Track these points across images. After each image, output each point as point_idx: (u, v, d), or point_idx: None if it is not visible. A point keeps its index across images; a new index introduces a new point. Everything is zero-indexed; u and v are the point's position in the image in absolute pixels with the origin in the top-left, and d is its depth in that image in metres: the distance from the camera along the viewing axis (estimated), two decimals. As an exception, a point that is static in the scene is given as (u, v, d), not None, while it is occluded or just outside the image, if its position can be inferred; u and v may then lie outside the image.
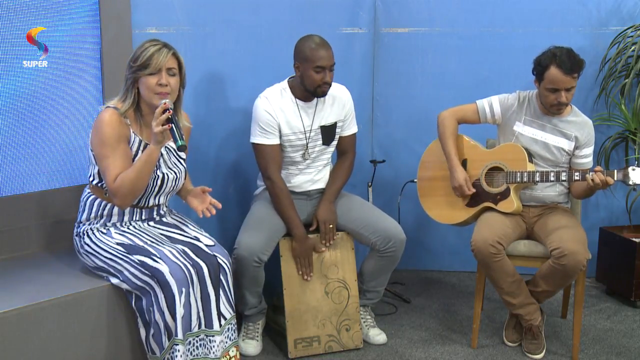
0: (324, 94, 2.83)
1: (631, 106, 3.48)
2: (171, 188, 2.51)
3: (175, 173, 2.51)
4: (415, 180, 3.17)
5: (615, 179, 2.65)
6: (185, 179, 2.59)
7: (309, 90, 2.81)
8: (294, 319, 2.84)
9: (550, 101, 2.79)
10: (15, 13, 2.54)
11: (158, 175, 2.43)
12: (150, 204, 2.50)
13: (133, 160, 2.37)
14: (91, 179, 2.46)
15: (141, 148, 2.40)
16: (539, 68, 2.78)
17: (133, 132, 2.40)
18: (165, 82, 2.34)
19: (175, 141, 2.26)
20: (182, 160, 2.56)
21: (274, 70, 2.95)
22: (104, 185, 2.41)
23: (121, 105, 2.37)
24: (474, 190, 2.93)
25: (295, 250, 2.84)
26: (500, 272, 2.77)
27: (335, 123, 2.95)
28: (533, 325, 2.86)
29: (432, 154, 3.13)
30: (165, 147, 2.48)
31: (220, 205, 2.51)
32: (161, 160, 2.46)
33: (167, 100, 2.30)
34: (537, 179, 2.80)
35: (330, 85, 2.82)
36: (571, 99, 2.79)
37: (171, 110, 2.27)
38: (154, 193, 2.46)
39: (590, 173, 2.68)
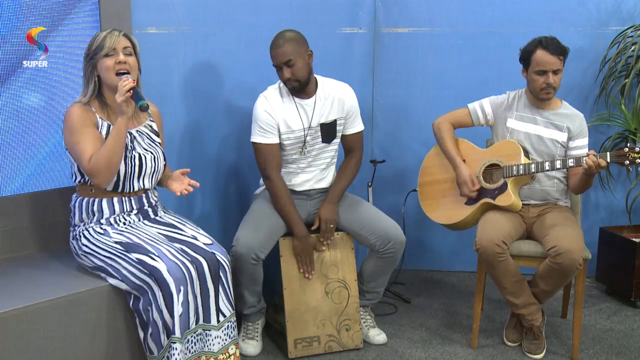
0: (294, 90, 2.83)
1: (631, 106, 3.48)
2: (152, 169, 2.52)
3: (152, 153, 2.52)
4: (416, 189, 3.18)
5: (609, 160, 2.66)
6: (164, 160, 2.60)
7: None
8: (294, 319, 2.84)
9: (539, 85, 2.82)
10: (15, 13, 2.54)
11: (134, 155, 2.45)
12: (136, 188, 2.50)
13: None
14: (74, 178, 2.49)
15: (110, 132, 2.43)
16: (526, 54, 2.85)
17: (100, 117, 2.43)
18: (124, 59, 2.39)
19: (137, 101, 2.33)
20: (157, 143, 2.58)
21: (273, 70, 2.95)
22: (88, 181, 2.43)
23: (84, 97, 2.43)
24: (479, 186, 2.93)
25: (297, 248, 2.85)
26: (504, 272, 2.77)
27: (335, 121, 2.94)
28: (534, 326, 2.86)
29: (431, 161, 3.15)
30: (137, 130, 2.52)
31: (197, 184, 2.54)
32: (135, 143, 2.49)
33: (128, 75, 2.37)
34: (533, 169, 2.81)
35: (296, 81, 2.79)
36: (559, 82, 2.83)
37: (134, 80, 2.34)
38: (136, 175, 2.47)
39: (584, 158, 2.69)
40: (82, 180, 2.46)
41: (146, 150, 2.51)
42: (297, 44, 2.77)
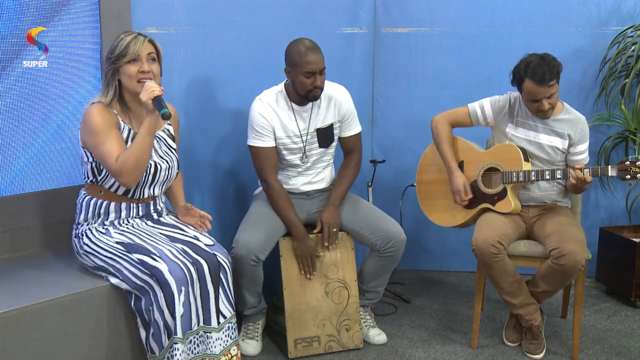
0: (315, 98, 2.81)
1: (631, 106, 3.48)
2: (165, 178, 2.51)
3: (167, 162, 2.51)
4: (414, 184, 3.18)
5: (610, 174, 2.66)
6: (178, 169, 2.59)
7: (300, 94, 2.80)
8: (294, 319, 2.84)
9: (534, 109, 2.80)
10: (15, 13, 2.54)
11: (150, 164, 2.44)
12: (146, 195, 2.50)
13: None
14: (85, 178, 2.48)
15: (131, 136, 2.42)
16: (516, 81, 2.80)
17: (122, 120, 2.41)
18: (148, 68, 2.38)
19: (159, 109, 2.31)
20: (173, 150, 2.57)
21: (273, 71, 2.95)
22: (99, 182, 2.42)
23: (105, 99, 2.40)
24: (471, 195, 2.94)
25: (297, 250, 2.84)
26: (500, 272, 2.77)
27: (332, 125, 2.94)
28: (533, 326, 2.86)
29: (429, 158, 3.14)
30: (156, 136, 2.50)
31: (210, 217, 2.58)
32: (152, 150, 2.47)
33: (152, 81, 2.36)
34: (533, 177, 2.81)
35: (321, 89, 2.79)
36: (556, 102, 2.79)
37: (162, 89, 2.33)
38: (148, 183, 2.46)
39: (569, 170, 2.71)
40: (93, 181, 2.45)
41: (162, 158, 2.50)
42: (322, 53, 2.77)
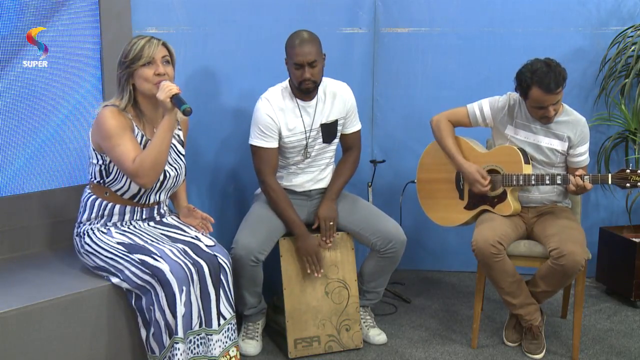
0: (307, 91, 2.81)
1: (631, 106, 3.48)
2: (172, 185, 2.52)
3: (176, 169, 2.51)
4: (414, 180, 3.18)
5: (610, 182, 2.67)
6: (185, 175, 2.59)
7: (294, 86, 2.81)
8: (294, 319, 2.84)
9: (539, 116, 2.80)
10: (15, 13, 2.54)
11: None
12: (151, 201, 2.50)
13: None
14: (91, 178, 2.46)
15: (143, 143, 2.41)
16: (521, 88, 2.77)
17: (136, 125, 2.40)
18: (163, 71, 2.36)
19: (179, 106, 2.28)
20: (182, 156, 2.57)
21: (274, 70, 2.95)
22: (106, 184, 2.42)
23: (119, 103, 2.38)
24: (489, 178, 2.88)
25: (301, 249, 2.83)
26: (500, 272, 2.77)
27: (336, 121, 2.94)
28: (533, 326, 2.86)
29: (430, 156, 3.13)
30: None
31: (212, 219, 2.58)
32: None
33: (167, 81, 2.34)
34: (533, 182, 2.80)
35: (313, 82, 2.78)
36: (559, 107, 2.79)
37: (179, 88, 2.32)
38: (155, 189, 2.46)
39: (570, 177, 2.72)
40: (100, 182, 2.44)
41: (171, 165, 2.49)
42: (319, 46, 2.77)
